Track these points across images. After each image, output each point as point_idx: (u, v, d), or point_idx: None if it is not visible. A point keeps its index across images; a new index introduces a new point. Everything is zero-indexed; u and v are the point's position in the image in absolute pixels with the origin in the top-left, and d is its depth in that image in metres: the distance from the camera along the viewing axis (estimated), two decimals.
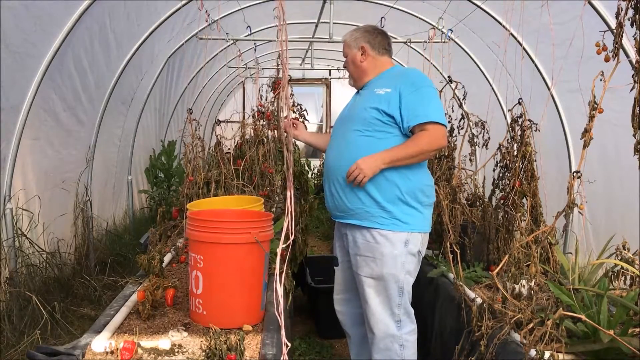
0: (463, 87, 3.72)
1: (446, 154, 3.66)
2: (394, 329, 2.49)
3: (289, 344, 1.45)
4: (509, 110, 3.26)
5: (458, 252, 2.85)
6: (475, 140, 3.70)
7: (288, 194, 1.45)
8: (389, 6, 5.77)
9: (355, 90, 2.76)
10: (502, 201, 3.20)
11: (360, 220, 2.49)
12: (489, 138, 3.55)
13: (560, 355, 1.89)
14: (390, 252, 2.44)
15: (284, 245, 1.49)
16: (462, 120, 3.73)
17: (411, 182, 2.47)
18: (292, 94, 4.57)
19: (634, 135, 1.87)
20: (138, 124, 6.20)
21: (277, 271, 1.42)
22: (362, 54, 2.61)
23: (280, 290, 1.44)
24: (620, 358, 1.94)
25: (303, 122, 4.24)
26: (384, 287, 2.48)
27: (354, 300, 2.72)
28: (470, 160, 3.68)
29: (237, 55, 6.46)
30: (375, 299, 2.50)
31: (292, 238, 1.49)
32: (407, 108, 2.39)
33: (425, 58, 5.58)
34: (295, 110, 4.26)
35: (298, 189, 3.62)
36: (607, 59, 1.93)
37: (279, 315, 1.41)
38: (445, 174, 3.56)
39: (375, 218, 2.45)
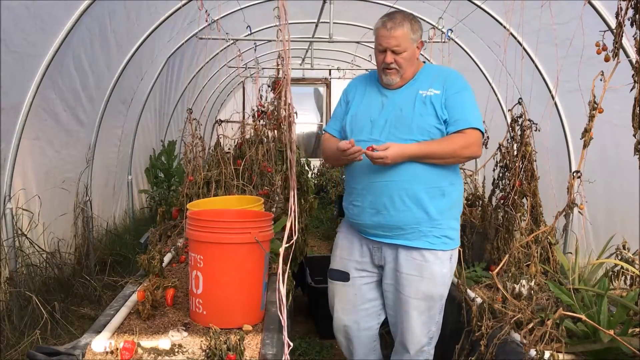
0: None
1: None
2: (426, 346, 2.38)
3: (292, 344, 1.45)
4: (509, 110, 3.26)
5: (460, 251, 2.82)
6: None
7: (291, 192, 1.46)
8: (389, 6, 5.76)
9: (366, 86, 2.43)
10: (502, 201, 3.20)
11: (410, 241, 2.28)
12: (488, 138, 3.56)
13: (560, 355, 1.89)
14: (440, 271, 2.30)
15: (287, 245, 1.50)
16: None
17: (457, 191, 2.34)
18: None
19: (634, 135, 1.87)
20: (138, 124, 6.20)
21: (279, 271, 1.42)
22: (417, 49, 2.32)
23: (283, 290, 1.45)
24: (620, 358, 1.94)
25: (293, 122, 4.26)
26: (428, 306, 2.32)
27: (366, 322, 2.50)
28: None
29: (237, 55, 6.46)
30: (417, 319, 2.33)
31: (295, 237, 1.49)
32: (449, 111, 2.23)
33: (425, 58, 5.58)
34: (285, 109, 4.27)
35: (298, 188, 3.62)
36: (607, 59, 1.93)
37: (281, 315, 1.42)
38: None
39: (427, 237, 2.27)
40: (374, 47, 2.35)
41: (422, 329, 2.34)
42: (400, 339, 2.40)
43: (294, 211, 1.45)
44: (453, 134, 2.22)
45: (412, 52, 2.28)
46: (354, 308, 2.48)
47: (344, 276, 2.47)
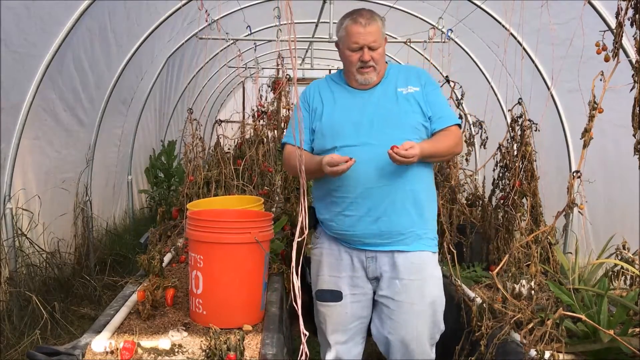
0: (461, 87, 3.73)
1: None
2: (431, 355, 2.23)
3: (307, 333, 1.47)
4: (509, 110, 3.26)
5: (455, 251, 2.81)
6: (472, 140, 3.71)
7: (302, 190, 1.47)
8: (389, 6, 5.77)
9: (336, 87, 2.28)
10: (502, 201, 3.20)
11: (408, 245, 2.17)
12: (487, 138, 3.56)
13: (560, 355, 1.90)
14: (438, 275, 2.23)
15: (300, 239, 1.50)
16: (460, 119, 3.72)
17: (435, 190, 2.34)
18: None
19: (634, 135, 1.87)
20: (138, 124, 6.20)
21: (293, 263, 1.44)
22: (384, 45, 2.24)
23: (297, 283, 1.46)
24: (620, 358, 1.95)
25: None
26: (430, 313, 2.18)
27: (355, 339, 2.31)
28: (467, 160, 3.67)
29: (237, 55, 6.46)
30: (421, 327, 2.18)
31: (306, 232, 1.50)
32: (432, 107, 2.19)
33: (425, 58, 5.58)
34: (287, 109, 4.30)
35: (298, 188, 3.62)
36: (607, 59, 1.93)
37: (296, 305, 1.44)
38: (443, 172, 3.56)
39: (422, 240, 2.19)
40: (341, 47, 2.23)
41: (425, 336, 2.19)
42: (404, 351, 2.20)
43: (304, 208, 1.47)
44: (444, 132, 2.18)
45: (384, 48, 2.20)
46: (345, 329, 2.28)
47: (336, 295, 2.26)
